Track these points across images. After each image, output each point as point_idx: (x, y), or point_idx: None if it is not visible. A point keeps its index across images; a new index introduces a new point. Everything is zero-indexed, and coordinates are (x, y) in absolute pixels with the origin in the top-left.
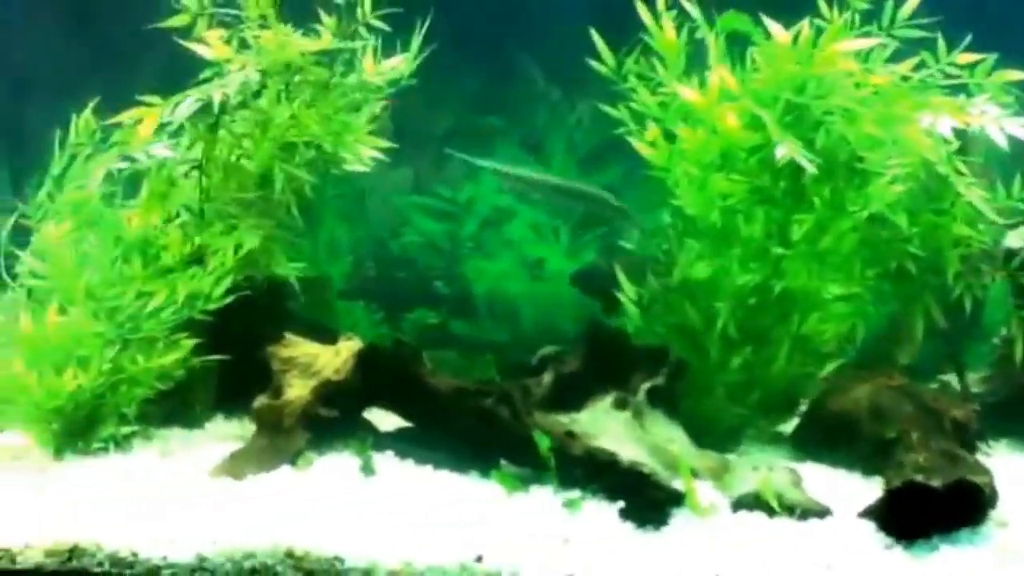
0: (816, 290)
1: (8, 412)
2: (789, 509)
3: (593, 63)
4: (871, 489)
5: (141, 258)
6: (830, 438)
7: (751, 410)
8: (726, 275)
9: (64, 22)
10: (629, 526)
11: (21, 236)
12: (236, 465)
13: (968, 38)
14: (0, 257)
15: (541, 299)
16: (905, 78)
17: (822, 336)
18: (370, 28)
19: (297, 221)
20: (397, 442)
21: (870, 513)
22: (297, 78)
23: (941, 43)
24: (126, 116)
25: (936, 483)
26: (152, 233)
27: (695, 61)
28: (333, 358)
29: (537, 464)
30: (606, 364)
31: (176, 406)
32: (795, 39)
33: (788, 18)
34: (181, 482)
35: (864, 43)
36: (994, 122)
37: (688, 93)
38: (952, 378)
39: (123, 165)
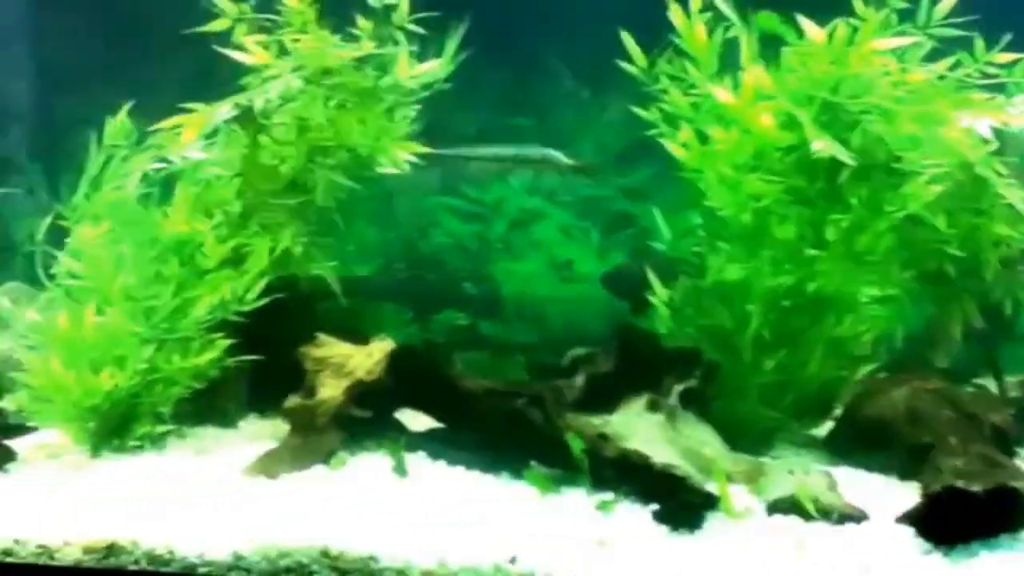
0: (851, 292)
1: (45, 410)
2: (825, 513)
3: (624, 64)
4: (908, 494)
5: (177, 259)
6: (865, 442)
7: (784, 413)
8: (759, 277)
9: (99, 22)
10: (663, 529)
11: (58, 236)
12: (270, 464)
13: (1007, 37)
14: (38, 257)
15: (569, 300)
16: (942, 77)
17: (857, 339)
18: (405, 31)
19: (337, 223)
20: (428, 442)
21: (909, 518)
22: (336, 83)
23: (979, 42)
24: (169, 123)
25: (976, 488)
26: (189, 235)
27: (726, 61)
28: (366, 359)
29: (568, 465)
30: (638, 366)
31: (210, 405)
32: (830, 38)
33: (822, 17)
34: (216, 481)
35: (900, 42)
36: None
37: (722, 94)
38: (989, 382)
39: (159, 166)
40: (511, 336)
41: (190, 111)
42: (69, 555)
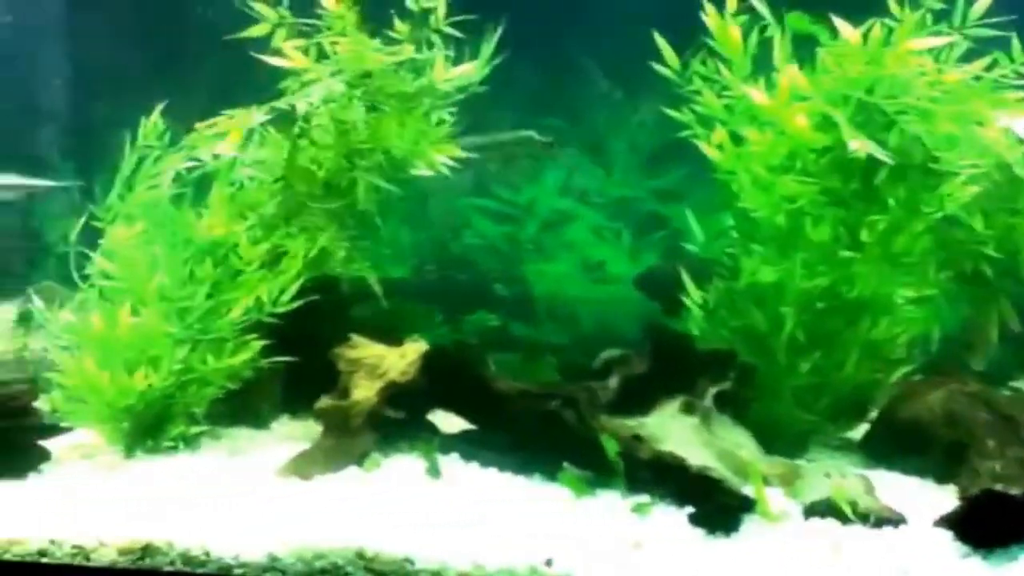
0: (887, 294)
1: (79, 411)
2: (863, 517)
3: (656, 66)
4: (945, 497)
5: (211, 260)
6: (901, 445)
7: (819, 416)
8: (793, 279)
9: (133, 24)
10: (699, 532)
11: (91, 237)
12: (304, 465)
13: None
14: (71, 257)
15: (601, 302)
16: (978, 77)
17: (893, 341)
18: (441, 34)
19: (376, 225)
20: (461, 444)
21: (947, 521)
22: (376, 86)
23: (1015, 42)
24: (213, 129)
25: (1015, 491)
26: (223, 236)
27: (759, 62)
28: (399, 360)
29: (602, 468)
30: (672, 368)
31: (243, 406)
32: (864, 38)
33: (855, 17)
34: (250, 482)
35: (936, 42)
36: None
37: (757, 95)
38: None
39: (191, 165)
40: (542, 337)
41: (223, 113)
42: (105, 556)
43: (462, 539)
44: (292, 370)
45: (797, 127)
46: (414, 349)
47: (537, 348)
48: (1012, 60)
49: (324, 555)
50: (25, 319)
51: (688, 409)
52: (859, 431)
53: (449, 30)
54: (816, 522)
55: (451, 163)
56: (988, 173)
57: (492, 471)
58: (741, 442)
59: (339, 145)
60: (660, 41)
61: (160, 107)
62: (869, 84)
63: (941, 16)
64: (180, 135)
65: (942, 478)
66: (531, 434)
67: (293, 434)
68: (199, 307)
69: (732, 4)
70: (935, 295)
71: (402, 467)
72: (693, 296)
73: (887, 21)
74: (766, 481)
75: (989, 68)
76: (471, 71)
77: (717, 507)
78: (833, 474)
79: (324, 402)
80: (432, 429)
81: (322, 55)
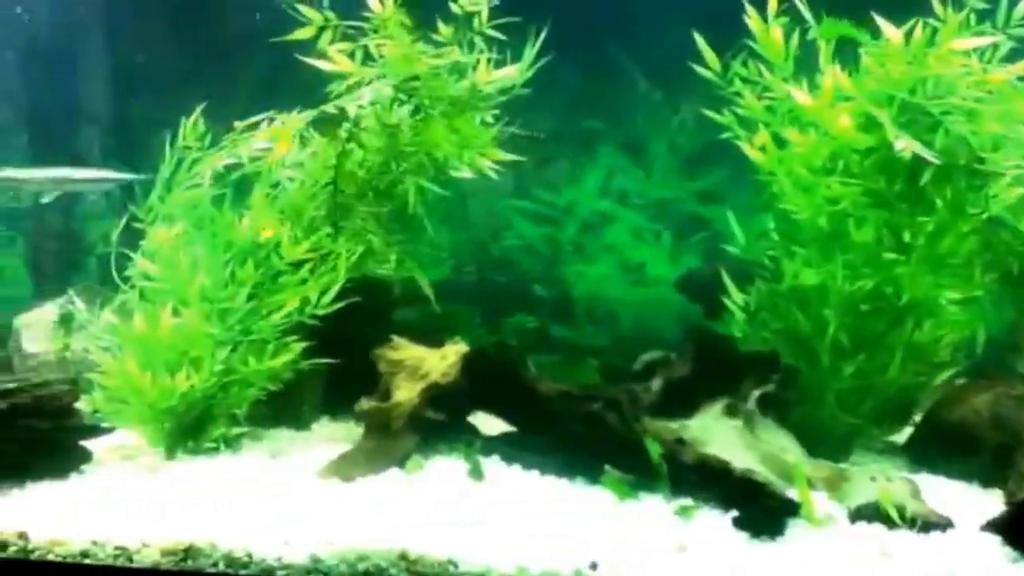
0: (931, 296)
1: (121, 412)
2: (910, 521)
3: (698, 67)
4: (991, 501)
5: (253, 261)
6: (947, 448)
7: (863, 419)
8: (836, 281)
9: (173, 25)
10: (744, 535)
11: (130, 239)
12: (345, 467)
13: None
14: (112, 258)
15: (641, 304)
16: (1022, 78)
17: (937, 343)
18: (484, 36)
19: (423, 227)
20: (502, 446)
21: (994, 526)
22: (424, 89)
23: None
24: (262, 136)
25: None
26: (267, 238)
27: (800, 63)
28: (440, 361)
29: (645, 471)
30: (714, 370)
31: (284, 407)
32: (907, 38)
33: (900, 17)
34: (292, 483)
35: (980, 42)
36: None
37: (801, 96)
38: None
39: (230, 163)
40: (582, 339)
41: (265, 115)
42: (147, 557)
43: (505, 542)
44: (333, 371)
45: (841, 128)
46: (455, 351)
47: (576, 350)
48: None
49: (367, 557)
50: (66, 320)
51: (731, 412)
52: (903, 434)
53: (492, 32)
54: (862, 526)
55: (494, 166)
56: None
57: (534, 473)
58: (785, 445)
59: (387, 148)
60: (701, 42)
61: (200, 108)
62: (913, 84)
63: (985, 16)
64: (220, 136)
65: (988, 482)
66: (573, 436)
67: (334, 436)
68: (240, 308)
69: (774, 5)
70: (980, 297)
71: (444, 469)
72: (735, 298)
73: (931, 21)
74: (811, 484)
75: None
76: (514, 73)
77: (762, 510)
78: (879, 478)
79: (365, 404)
80: (472, 431)
81: (368, 58)
